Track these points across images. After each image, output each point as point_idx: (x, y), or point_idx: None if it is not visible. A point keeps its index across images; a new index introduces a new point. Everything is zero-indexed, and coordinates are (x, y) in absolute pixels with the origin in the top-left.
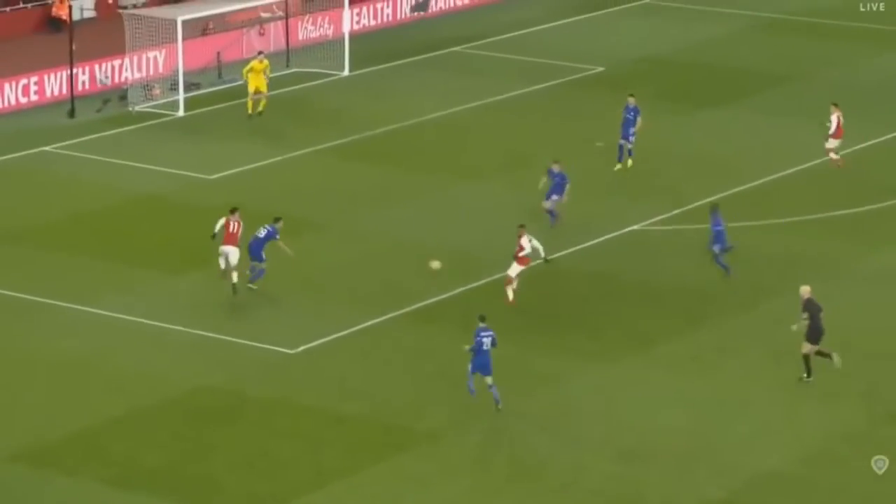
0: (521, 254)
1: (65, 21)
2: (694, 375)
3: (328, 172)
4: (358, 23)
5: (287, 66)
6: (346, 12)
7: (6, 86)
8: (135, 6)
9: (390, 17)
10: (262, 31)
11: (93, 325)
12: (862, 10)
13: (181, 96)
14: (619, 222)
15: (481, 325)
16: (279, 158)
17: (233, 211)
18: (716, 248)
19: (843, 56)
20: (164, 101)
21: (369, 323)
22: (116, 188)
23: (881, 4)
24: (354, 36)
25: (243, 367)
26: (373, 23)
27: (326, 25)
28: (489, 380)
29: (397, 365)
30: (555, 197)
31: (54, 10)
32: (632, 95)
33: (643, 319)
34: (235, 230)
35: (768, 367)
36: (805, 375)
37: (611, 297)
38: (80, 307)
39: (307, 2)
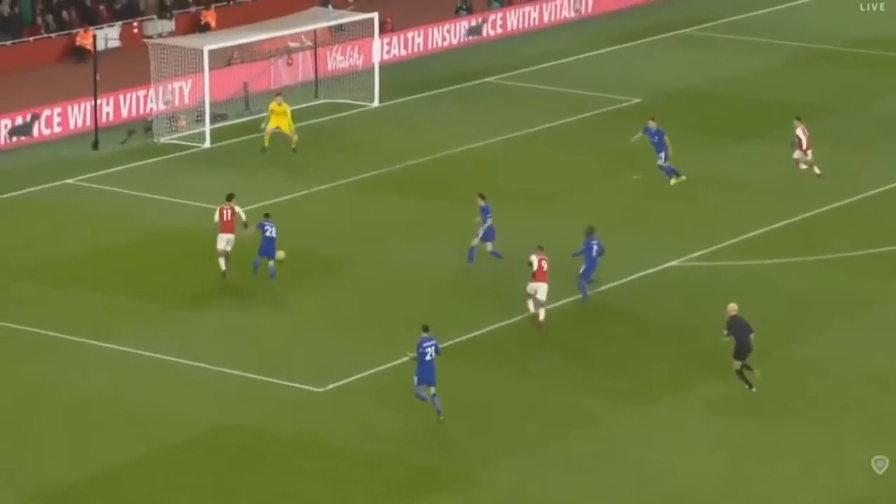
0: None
1: (89, 51)
2: (731, 418)
3: (357, 206)
4: (388, 52)
5: (315, 96)
6: (376, 42)
7: (29, 117)
8: (160, 35)
9: (421, 47)
10: (290, 61)
11: (112, 362)
12: (862, 9)
13: (207, 127)
14: (657, 258)
15: (424, 335)
16: (307, 192)
17: (229, 198)
18: (584, 278)
19: (888, 87)
20: (190, 132)
21: (399, 361)
22: (139, 221)
23: (881, 4)
24: (384, 66)
25: (268, 406)
26: (403, 53)
27: (356, 55)
28: (432, 390)
29: (426, 404)
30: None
31: (78, 39)
32: (652, 119)
33: (680, 360)
34: (229, 218)
35: (806, 409)
36: (747, 387)
37: (648, 336)
38: (99, 343)
39: (336, 31)
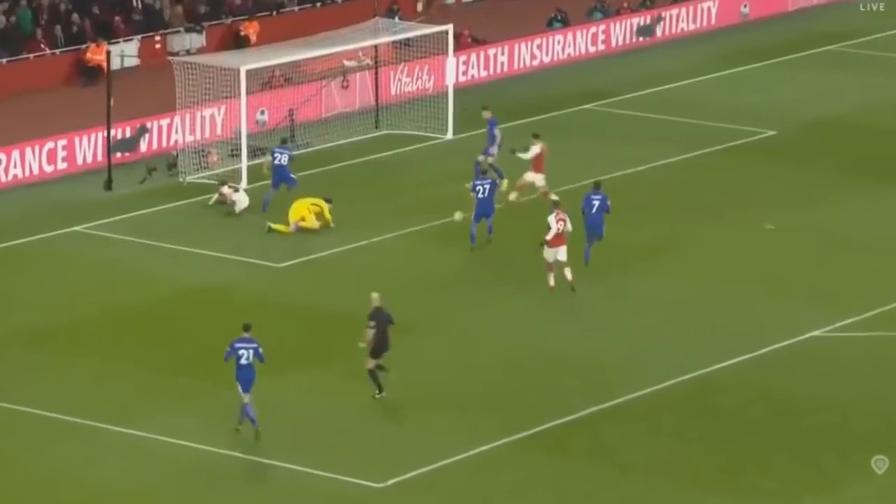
0: (547, 236)
1: (101, 70)
2: None
3: (425, 260)
4: (465, 73)
5: (376, 127)
6: (451, 61)
7: (28, 151)
8: (188, 52)
9: (505, 67)
10: (345, 84)
11: (131, 451)
12: (862, 9)
13: (244, 164)
14: (796, 327)
15: (244, 334)
16: (364, 242)
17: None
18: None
19: None
20: (223, 170)
21: (474, 451)
22: (161, 278)
23: (881, 4)
24: (460, 89)
25: None
26: (483, 73)
27: (426, 77)
28: (246, 398)
29: (508, 503)
30: None
31: (88, 55)
32: (486, 108)
33: (827, 452)
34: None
35: None
36: (376, 392)
37: (787, 422)
38: (115, 428)
39: (402, 47)
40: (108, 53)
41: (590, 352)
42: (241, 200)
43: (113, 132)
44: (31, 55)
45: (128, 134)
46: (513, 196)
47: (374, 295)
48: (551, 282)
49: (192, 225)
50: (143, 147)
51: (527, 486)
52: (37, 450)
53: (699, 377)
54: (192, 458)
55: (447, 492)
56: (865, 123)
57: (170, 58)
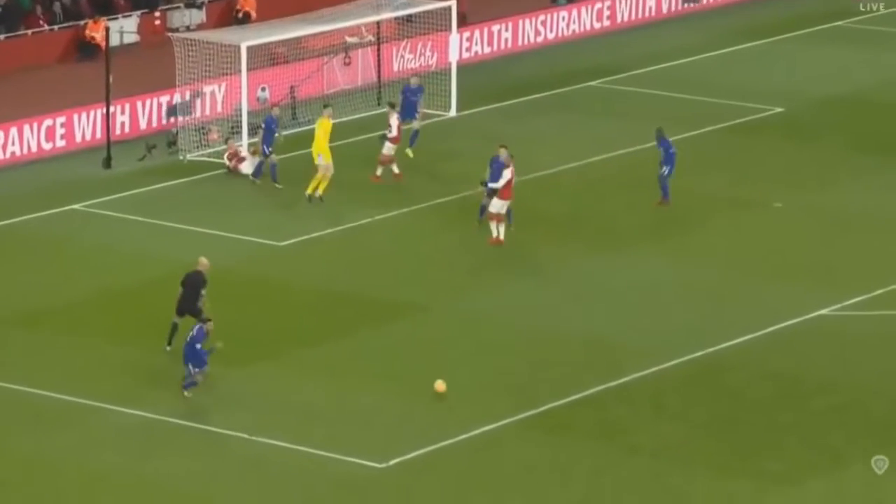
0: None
1: (100, 46)
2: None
3: (429, 239)
4: (469, 50)
5: (378, 104)
6: (454, 37)
7: (26, 128)
8: (188, 28)
9: (509, 43)
10: (347, 61)
11: (132, 431)
12: (862, 9)
13: (244, 141)
14: (804, 306)
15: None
16: (367, 220)
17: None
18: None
19: None
20: (223, 147)
21: (478, 431)
22: (163, 258)
23: (881, 5)
24: (464, 66)
25: (320, 486)
26: (487, 50)
27: (429, 53)
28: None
29: (513, 484)
30: None
31: (87, 32)
32: (416, 75)
33: (834, 432)
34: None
35: None
36: (167, 345)
37: (794, 403)
38: (115, 408)
39: (405, 23)
40: (107, 30)
41: (596, 331)
42: (247, 165)
43: (112, 109)
44: (30, 31)
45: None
46: None
47: (202, 260)
48: (494, 233)
49: (192, 203)
50: (142, 124)
51: (531, 467)
52: (33, 430)
53: (706, 356)
54: (193, 438)
55: (450, 472)
56: (875, 100)
57: (169, 34)
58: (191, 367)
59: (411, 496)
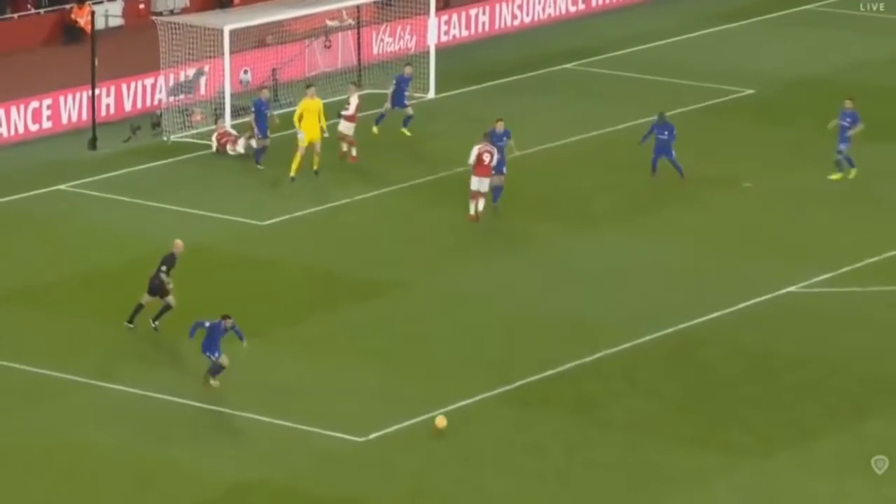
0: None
1: (85, 30)
2: (862, 476)
3: (408, 218)
4: (447, 33)
5: (358, 86)
6: (433, 21)
7: (13, 110)
8: (171, 12)
9: (487, 27)
10: (328, 44)
11: (116, 407)
12: (862, 9)
13: (227, 122)
14: (773, 282)
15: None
16: (347, 200)
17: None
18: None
19: None
20: (207, 128)
21: (455, 405)
22: (147, 237)
23: (881, 5)
24: (442, 49)
25: (299, 460)
26: (464, 33)
27: (408, 37)
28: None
29: (490, 458)
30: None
31: (72, 15)
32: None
33: (802, 406)
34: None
35: None
36: (128, 322)
37: (764, 378)
38: (96, 383)
39: (384, 7)
40: (93, 14)
41: (572, 308)
42: (239, 146)
43: (97, 91)
44: (16, 14)
45: (111, 95)
46: None
47: (178, 241)
48: (472, 210)
49: (175, 183)
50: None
51: (507, 441)
52: (23, 404)
53: (678, 332)
54: (176, 413)
55: (427, 446)
56: (844, 83)
57: (154, 18)
58: (210, 355)
59: (390, 469)
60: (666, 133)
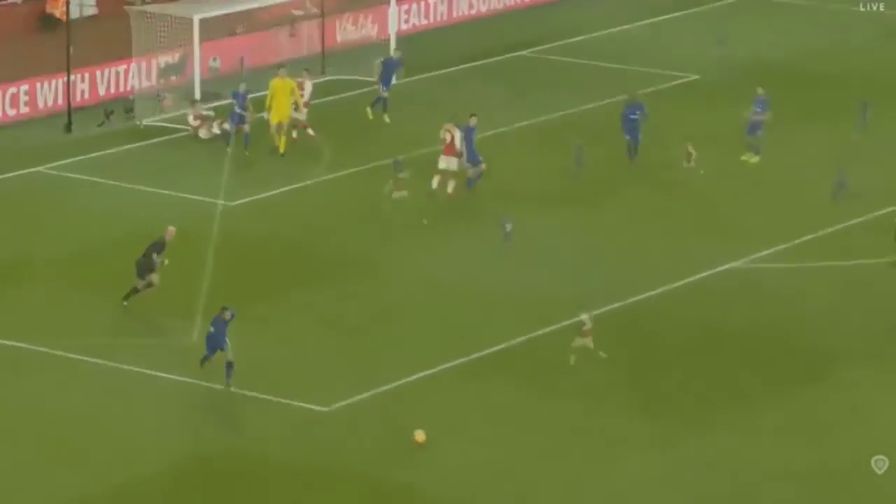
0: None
1: (60, 19)
2: (804, 445)
3: (371, 199)
4: (407, 22)
5: (322, 73)
6: (393, 9)
7: None
8: (144, 2)
9: (445, 16)
10: (292, 33)
11: (94, 379)
12: (862, 9)
13: (201, 107)
14: (719, 257)
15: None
16: (312, 182)
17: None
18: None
19: None
20: (177, 113)
21: (417, 376)
22: (121, 216)
23: (881, 5)
24: (403, 38)
25: (269, 428)
26: (424, 22)
27: (369, 25)
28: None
29: (449, 426)
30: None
31: (48, 5)
32: (397, 49)
33: (747, 377)
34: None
35: (893, 435)
36: (124, 301)
37: (709, 350)
38: (78, 357)
39: None
40: (67, 3)
41: (529, 284)
42: (208, 130)
43: (72, 77)
44: None
45: (86, 81)
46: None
47: (171, 229)
48: (434, 185)
49: (148, 165)
50: (101, 92)
51: (465, 410)
52: (7, 380)
53: (628, 306)
54: (152, 385)
55: (389, 414)
56: (786, 68)
57: (126, 7)
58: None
59: (354, 436)
60: (637, 113)
